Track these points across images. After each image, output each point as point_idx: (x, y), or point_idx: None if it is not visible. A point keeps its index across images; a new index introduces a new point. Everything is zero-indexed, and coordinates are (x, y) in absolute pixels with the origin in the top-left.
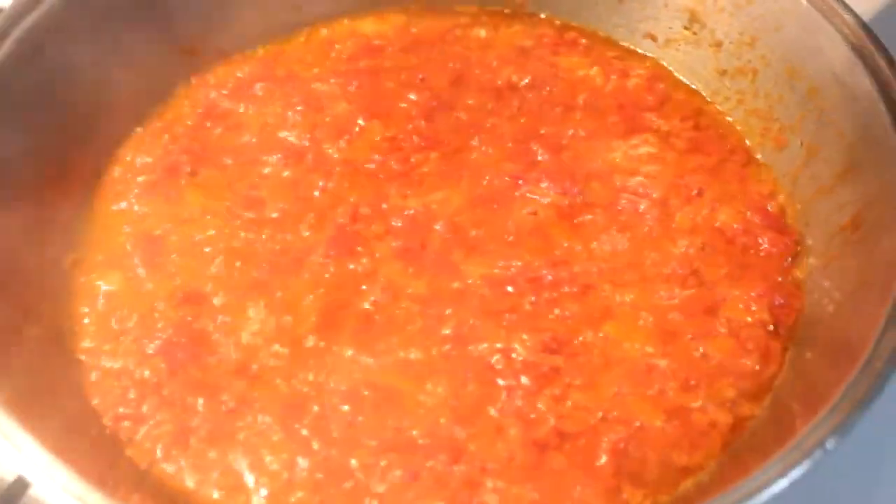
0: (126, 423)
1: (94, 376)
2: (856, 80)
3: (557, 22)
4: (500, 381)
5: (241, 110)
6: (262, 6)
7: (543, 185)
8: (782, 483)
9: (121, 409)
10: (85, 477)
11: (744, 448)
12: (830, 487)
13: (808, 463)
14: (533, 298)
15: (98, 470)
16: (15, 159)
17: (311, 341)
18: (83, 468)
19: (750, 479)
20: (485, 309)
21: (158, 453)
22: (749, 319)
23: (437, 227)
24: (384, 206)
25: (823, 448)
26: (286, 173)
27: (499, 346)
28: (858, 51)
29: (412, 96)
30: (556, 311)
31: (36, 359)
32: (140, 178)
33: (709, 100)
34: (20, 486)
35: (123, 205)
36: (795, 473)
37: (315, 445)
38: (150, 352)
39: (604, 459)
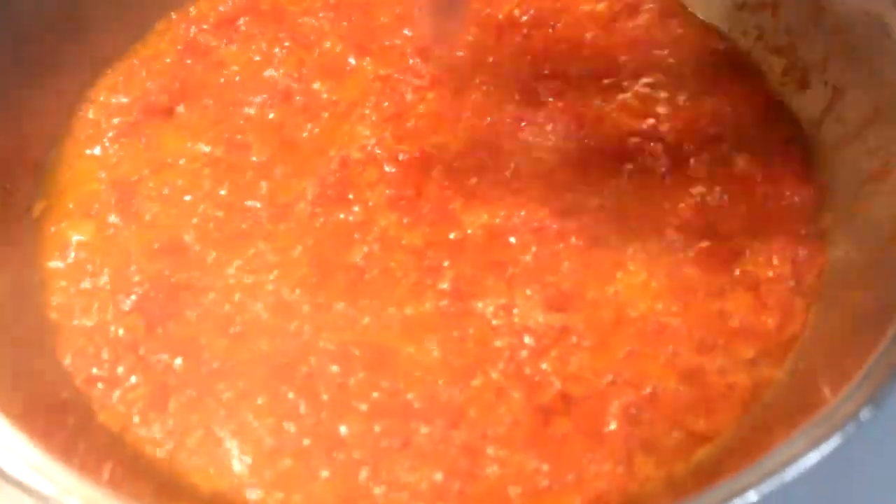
0: (99, 386)
1: (65, 335)
2: (889, 14)
3: None
4: (501, 341)
5: (224, 47)
6: None
7: (548, 127)
8: (812, 457)
9: (94, 371)
10: (51, 444)
11: (764, 413)
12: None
13: (840, 436)
14: (536, 250)
15: (67, 436)
16: None
17: (298, 296)
18: (50, 434)
19: (775, 451)
20: (485, 261)
21: (134, 418)
22: (770, 274)
23: (434, 173)
24: (377, 150)
25: (857, 420)
26: (272, 115)
27: (501, 301)
28: None
29: (407, 32)
30: (563, 264)
31: (2, 315)
32: (115, 120)
33: (725, 36)
34: None
35: (97, 149)
36: (826, 448)
37: (303, 409)
38: (126, 308)
39: (613, 426)
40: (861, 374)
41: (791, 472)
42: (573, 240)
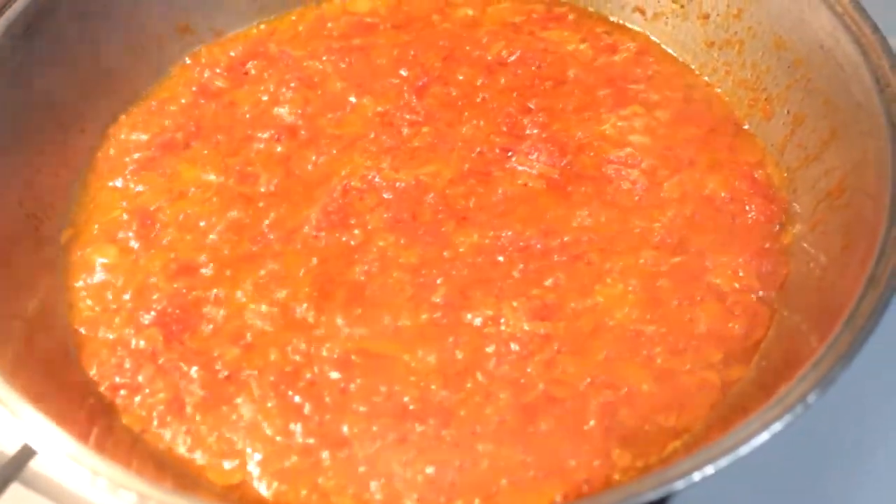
0: (122, 392)
1: (90, 347)
2: (840, 48)
3: None
4: (490, 348)
5: (235, 89)
6: None
7: (533, 156)
8: (763, 437)
9: (117, 379)
10: (83, 441)
11: (730, 409)
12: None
13: (789, 417)
14: (522, 266)
15: (95, 437)
16: (10, 137)
17: (303, 311)
18: (81, 436)
19: (732, 433)
20: (475, 277)
21: (154, 421)
22: (736, 285)
23: (429, 198)
24: (376, 179)
25: (805, 402)
26: (279, 148)
27: (489, 313)
28: (842, 18)
29: (403, 72)
30: (546, 279)
31: (34, 331)
32: (135, 155)
33: (697, 72)
34: (25, 455)
35: (119, 181)
36: (776, 427)
37: (307, 411)
38: (146, 322)
39: (592, 423)
40: (810, 363)
41: (745, 449)
42: (556, 257)
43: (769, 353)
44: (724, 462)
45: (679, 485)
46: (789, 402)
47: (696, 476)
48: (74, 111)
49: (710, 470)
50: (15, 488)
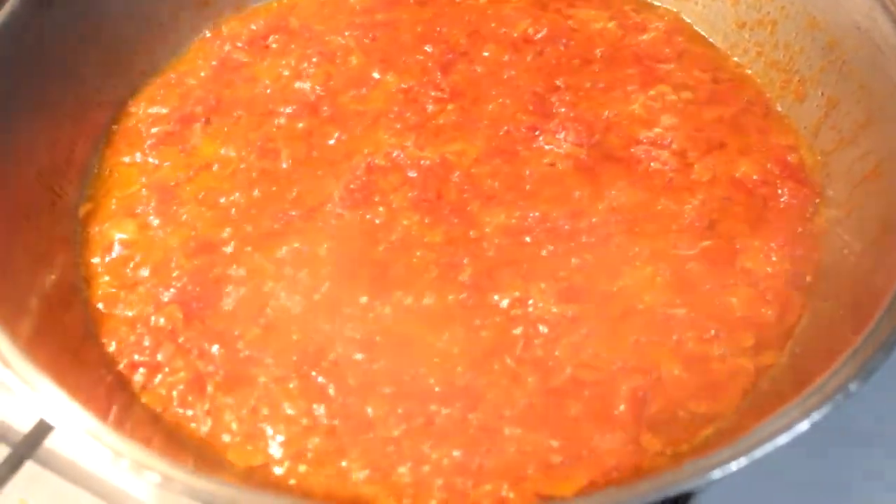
0: (141, 370)
1: (108, 324)
2: (878, 29)
3: None
4: (517, 330)
5: (256, 63)
6: None
7: (560, 135)
8: (803, 425)
9: (136, 357)
10: (102, 419)
11: (764, 396)
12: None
13: (829, 406)
14: (550, 248)
15: (114, 416)
16: (28, 108)
17: (325, 290)
18: (100, 414)
19: (769, 421)
20: (502, 258)
21: (174, 400)
22: (769, 270)
23: (454, 177)
24: (401, 156)
25: (846, 391)
26: (301, 124)
27: (516, 294)
28: None
29: (428, 48)
30: (574, 260)
31: (52, 306)
32: (154, 129)
33: (727, 53)
34: (40, 432)
35: (137, 156)
36: (816, 416)
37: (331, 392)
38: (165, 300)
39: (622, 408)
40: (850, 351)
41: (784, 438)
42: (584, 238)
43: (803, 340)
44: (762, 451)
45: (716, 474)
46: (829, 390)
47: (734, 465)
48: (93, 84)
49: (746, 460)
50: (30, 466)
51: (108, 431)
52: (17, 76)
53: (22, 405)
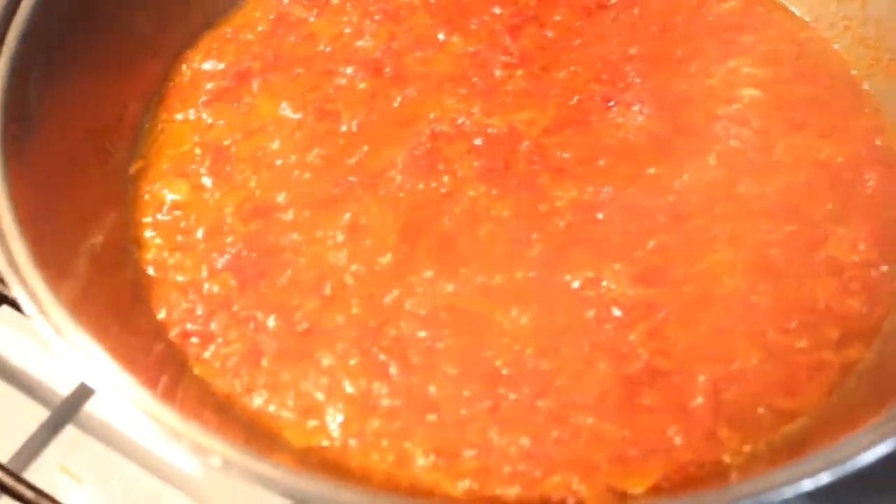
0: (194, 340)
1: (159, 290)
2: None
3: None
4: (590, 313)
5: (315, 19)
6: None
7: (635, 107)
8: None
9: (189, 325)
10: (151, 389)
11: (851, 394)
12: None
13: None
14: (623, 226)
15: (163, 384)
16: (78, 61)
17: (388, 261)
18: (148, 382)
19: (862, 432)
20: (573, 236)
21: (227, 373)
22: (855, 259)
23: (522, 147)
24: (466, 123)
25: None
26: (362, 85)
27: (589, 274)
28: None
29: (496, 10)
30: (650, 242)
31: (100, 268)
32: (208, 85)
33: (812, 25)
34: (81, 394)
35: (191, 112)
36: None
37: (393, 371)
38: (219, 266)
39: (700, 400)
40: None
41: (867, 458)
42: (660, 218)
43: (892, 334)
44: (865, 459)
45: (806, 485)
46: None
47: (825, 477)
48: (145, 37)
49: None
50: (70, 431)
51: (154, 401)
52: (67, 28)
53: (62, 367)
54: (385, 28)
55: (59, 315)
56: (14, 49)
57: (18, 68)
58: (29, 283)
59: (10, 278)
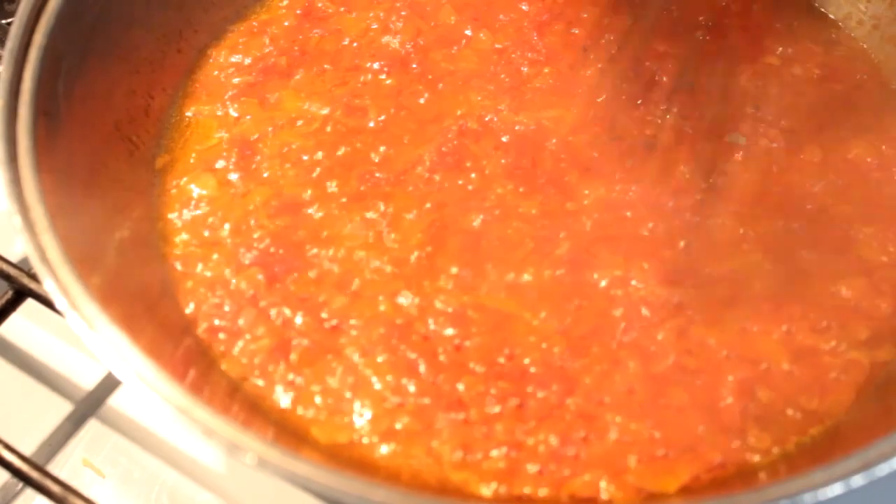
0: (222, 336)
1: (186, 285)
2: None
3: None
4: (618, 312)
5: (342, 14)
6: None
7: (663, 106)
8: None
9: (216, 321)
10: (179, 383)
11: (880, 396)
12: None
13: None
14: (652, 225)
15: (191, 379)
16: (106, 53)
17: (415, 258)
18: (176, 375)
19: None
20: (601, 234)
21: (255, 369)
22: (885, 259)
23: (550, 145)
24: (494, 120)
25: None
26: (389, 81)
27: (617, 273)
28: None
29: (524, 7)
30: (679, 241)
31: (128, 261)
32: (235, 80)
33: (840, 25)
34: (105, 388)
35: (218, 107)
36: None
37: (421, 369)
38: (246, 262)
39: (729, 400)
40: None
41: None
42: (688, 217)
43: None
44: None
45: (837, 488)
46: None
47: (858, 480)
48: (172, 29)
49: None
50: (93, 425)
51: (181, 393)
52: (94, 20)
53: (85, 361)
54: (412, 24)
55: (91, 309)
56: (43, 44)
57: (48, 63)
58: (60, 276)
59: (42, 271)
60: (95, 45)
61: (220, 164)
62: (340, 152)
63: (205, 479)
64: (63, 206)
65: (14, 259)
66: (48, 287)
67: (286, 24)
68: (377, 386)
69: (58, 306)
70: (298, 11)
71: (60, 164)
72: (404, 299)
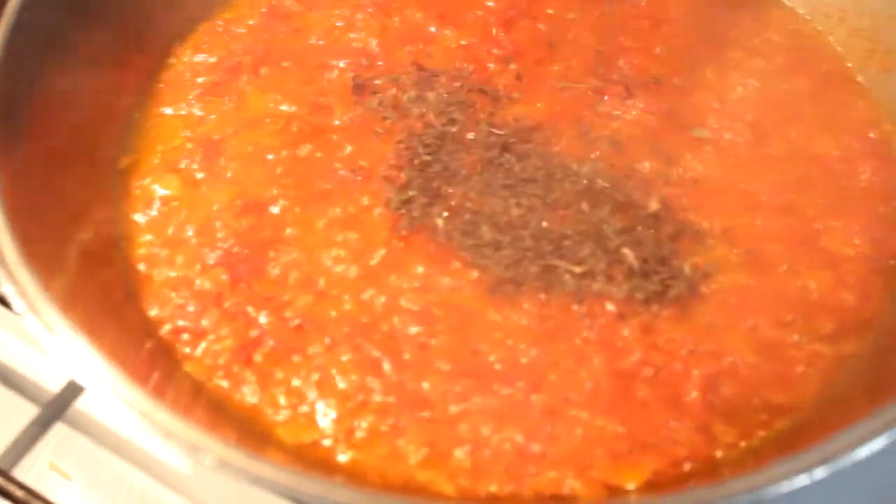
0: (185, 336)
1: (150, 286)
2: None
3: None
4: (583, 307)
5: (307, 12)
6: None
7: (629, 101)
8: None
9: (180, 322)
10: (141, 386)
11: (844, 386)
12: None
13: None
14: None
15: (154, 382)
16: (68, 54)
17: (379, 257)
18: (139, 379)
19: (857, 427)
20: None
21: (219, 370)
22: (850, 252)
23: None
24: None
25: None
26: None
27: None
28: None
29: (489, 3)
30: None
31: (90, 263)
32: (200, 79)
33: (807, 17)
34: (71, 391)
35: (182, 106)
36: None
37: (386, 367)
38: (211, 262)
39: (694, 395)
40: None
41: (863, 452)
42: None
43: (887, 328)
44: (861, 454)
45: (802, 480)
46: None
47: (820, 472)
48: (135, 31)
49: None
50: (60, 429)
51: (143, 397)
52: (57, 20)
53: (51, 364)
54: (377, 21)
55: (50, 312)
56: (3, 46)
57: (8, 65)
58: (18, 279)
59: (0, 274)
60: (57, 47)
61: (184, 163)
62: (305, 151)
63: (172, 482)
64: (23, 208)
65: None
66: (6, 290)
67: (251, 22)
68: (342, 385)
69: (16, 309)
70: (263, 10)
71: (20, 166)
72: (369, 298)
